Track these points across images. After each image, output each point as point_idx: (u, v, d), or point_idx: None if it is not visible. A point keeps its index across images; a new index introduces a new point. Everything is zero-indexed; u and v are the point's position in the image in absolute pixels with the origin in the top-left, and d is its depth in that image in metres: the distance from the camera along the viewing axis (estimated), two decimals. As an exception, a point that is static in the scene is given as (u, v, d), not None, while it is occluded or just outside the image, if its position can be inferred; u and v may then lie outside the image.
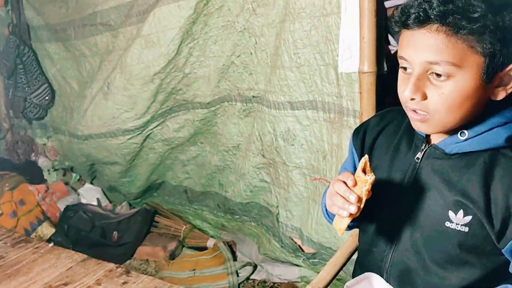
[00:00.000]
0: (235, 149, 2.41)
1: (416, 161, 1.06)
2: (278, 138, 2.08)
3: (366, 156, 1.00)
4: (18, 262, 1.60)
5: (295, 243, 2.15)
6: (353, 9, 1.58)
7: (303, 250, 2.13)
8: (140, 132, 2.57)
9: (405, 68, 0.97)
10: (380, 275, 1.12)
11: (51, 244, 1.74)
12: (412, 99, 0.94)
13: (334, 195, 1.00)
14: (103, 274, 1.51)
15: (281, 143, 2.07)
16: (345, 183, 0.99)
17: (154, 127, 2.57)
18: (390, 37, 2.20)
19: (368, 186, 0.96)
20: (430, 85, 0.93)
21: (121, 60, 2.42)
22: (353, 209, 0.95)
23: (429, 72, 0.92)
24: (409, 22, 0.91)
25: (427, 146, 1.06)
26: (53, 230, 2.90)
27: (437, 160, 1.03)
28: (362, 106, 1.63)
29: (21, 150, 3.33)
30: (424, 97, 0.94)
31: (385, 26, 1.70)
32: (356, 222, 1.12)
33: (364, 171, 0.98)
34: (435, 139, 1.05)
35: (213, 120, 2.44)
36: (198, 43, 2.22)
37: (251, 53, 2.12)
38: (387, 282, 1.11)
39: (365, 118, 1.60)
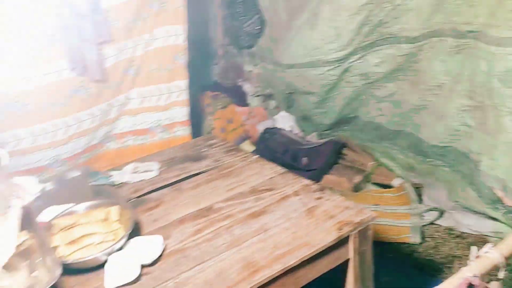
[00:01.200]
0: (437, 89, 2.28)
1: None
2: (493, 78, 1.88)
3: None
4: (230, 166, 1.88)
5: (495, 194, 1.99)
6: None
7: (504, 203, 1.96)
8: (339, 64, 2.61)
9: None
10: None
11: (256, 156, 1.98)
12: None
13: None
14: (300, 187, 1.67)
15: (496, 85, 1.87)
16: None
17: (354, 61, 2.58)
18: None
19: None
20: None
21: (330, -9, 2.46)
22: None
23: None
24: None
25: None
26: (252, 148, 3.25)
27: None
28: None
29: (231, 75, 3.73)
30: None
31: None
32: None
33: None
34: None
35: (417, 56, 2.33)
36: (414, -30, 2.10)
37: (475, -19, 1.91)
38: None
39: None
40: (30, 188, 1.63)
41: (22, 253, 1.15)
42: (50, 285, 1.00)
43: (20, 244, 1.20)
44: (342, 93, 2.83)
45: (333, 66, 2.64)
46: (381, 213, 2.53)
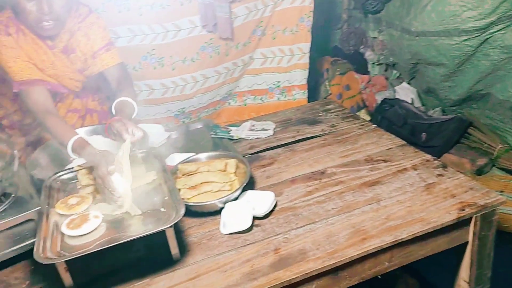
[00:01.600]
0: None
1: None
2: None
3: None
4: (346, 132, 1.85)
5: None
6: None
7: None
8: (478, 34, 2.37)
9: None
10: None
11: (375, 125, 1.92)
12: None
13: None
14: (420, 162, 1.59)
15: None
16: None
17: (496, 31, 2.33)
18: None
19: None
20: None
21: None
22: None
23: None
24: None
25: None
26: (368, 118, 3.16)
27: None
28: None
29: (353, 41, 3.61)
30: None
31: None
32: None
33: None
34: None
35: None
36: None
37: None
38: None
39: None
40: (158, 135, 1.79)
41: (153, 190, 1.27)
42: (176, 221, 1.10)
43: (150, 182, 1.34)
44: (476, 67, 2.58)
45: (470, 36, 2.41)
46: (506, 201, 2.32)
